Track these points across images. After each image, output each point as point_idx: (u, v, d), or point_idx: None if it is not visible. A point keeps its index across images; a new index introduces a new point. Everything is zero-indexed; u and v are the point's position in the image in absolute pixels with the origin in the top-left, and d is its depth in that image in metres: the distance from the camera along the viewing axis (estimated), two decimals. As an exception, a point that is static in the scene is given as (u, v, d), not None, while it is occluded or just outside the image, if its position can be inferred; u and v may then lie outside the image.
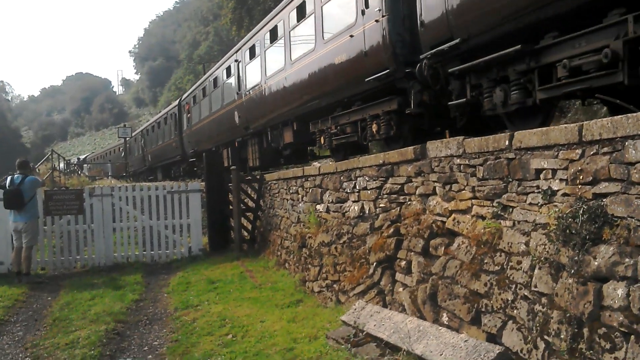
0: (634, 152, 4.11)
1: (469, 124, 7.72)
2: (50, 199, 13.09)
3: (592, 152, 4.50)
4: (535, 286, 4.80)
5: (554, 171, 4.88)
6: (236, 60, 16.52)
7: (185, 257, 13.81)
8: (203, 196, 14.75)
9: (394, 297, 6.88)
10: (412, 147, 7.18)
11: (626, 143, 4.18)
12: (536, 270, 4.84)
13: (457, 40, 6.95)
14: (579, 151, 4.62)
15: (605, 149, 4.38)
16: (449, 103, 7.56)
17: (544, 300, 4.70)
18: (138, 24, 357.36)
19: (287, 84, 12.43)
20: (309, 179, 10.63)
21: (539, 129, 5.18)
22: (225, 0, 39.29)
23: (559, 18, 5.71)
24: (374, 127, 9.43)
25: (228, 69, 17.56)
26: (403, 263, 6.87)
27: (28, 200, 11.71)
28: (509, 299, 5.06)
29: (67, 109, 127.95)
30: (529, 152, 5.18)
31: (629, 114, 4.25)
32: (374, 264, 7.37)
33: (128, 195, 14.09)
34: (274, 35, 13.47)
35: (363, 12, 9.09)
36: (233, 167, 14.70)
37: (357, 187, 8.57)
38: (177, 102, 26.19)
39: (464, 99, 7.24)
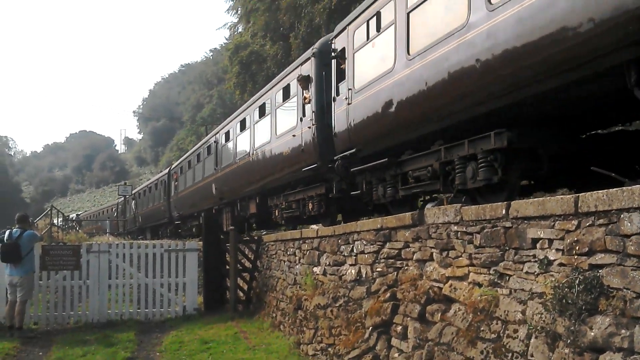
0: (629, 224, 4.17)
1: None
2: (47, 254, 13.06)
3: (588, 224, 4.56)
4: (532, 355, 4.79)
5: (551, 241, 4.93)
6: (215, 141, 19.93)
7: (179, 316, 13.68)
8: (200, 255, 14.73)
9: (389, 363, 6.82)
10: (410, 213, 7.26)
11: (621, 215, 4.25)
12: (532, 339, 4.84)
13: (354, 150, 9.95)
14: (575, 222, 4.68)
15: (601, 221, 4.44)
16: (351, 193, 10.54)
17: (540, 369, 4.68)
18: (143, 85, 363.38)
19: (252, 166, 15.51)
20: (306, 241, 10.66)
21: (536, 199, 5.27)
22: (229, 65, 40.16)
23: (411, 143, 8.55)
24: (310, 205, 12.33)
25: (209, 147, 20.83)
26: (399, 328, 6.83)
27: (25, 254, 11.72)
28: (505, 367, 5.03)
29: (69, 165, 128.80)
30: (525, 221, 5.25)
31: (623, 187, 4.34)
32: (370, 328, 7.33)
33: (125, 253, 14.07)
34: (243, 126, 16.87)
35: (301, 119, 12.20)
36: (231, 227, 14.75)
37: (355, 251, 8.60)
38: (167, 170, 29.36)
39: (359, 191, 10.14)
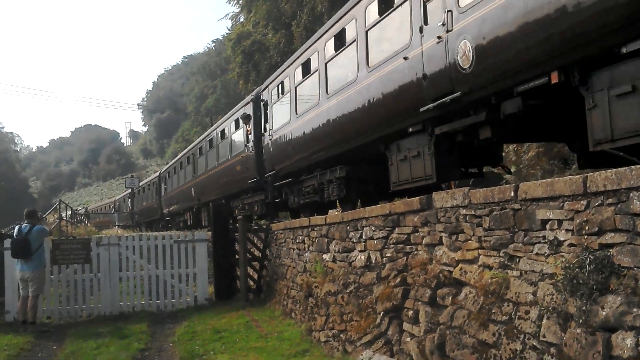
0: (639, 203, 4.17)
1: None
2: (57, 248, 13.16)
3: (597, 203, 4.56)
4: (544, 336, 4.81)
5: (560, 222, 4.93)
6: (192, 154, 25.15)
7: (191, 306, 13.77)
8: (209, 245, 14.79)
9: (401, 347, 6.85)
10: (417, 198, 7.27)
11: (630, 194, 4.25)
12: (544, 320, 4.85)
13: (274, 171, 14.29)
14: (584, 202, 4.68)
15: (610, 200, 4.45)
16: (275, 200, 14.94)
17: (552, 350, 4.69)
18: (147, 78, 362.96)
19: (218, 176, 20.39)
20: (315, 229, 10.69)
21: (544, 180, 5.26)
22: (232, 55, 40.08)
23: (304, 169, 12.66)
24: (256, 207, 17.01)
25: (188, 158, 25.92)
26: (410, 313, 6.86)
27: (35, 249, 11.80)
28: (518, 349, 5.05)
29: (75, 159, 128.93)
30: (534, 202, 5.25)
31: (632, 166, 4.33)
32: (381, 313, 7.37)
33: (135, 245, 14.15)
34: (210, 144, 21.87)
35: (246, 146, 16.66)
36: (239, 217, 14.82)
37: (364, 237, 8.62)
38: (157, 174, 34.85)
39: (279, 199, 14.65)
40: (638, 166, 4.25)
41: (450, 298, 6.25)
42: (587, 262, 4.50)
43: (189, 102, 78.58)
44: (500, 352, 5.25)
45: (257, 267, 14.01)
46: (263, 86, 15.92)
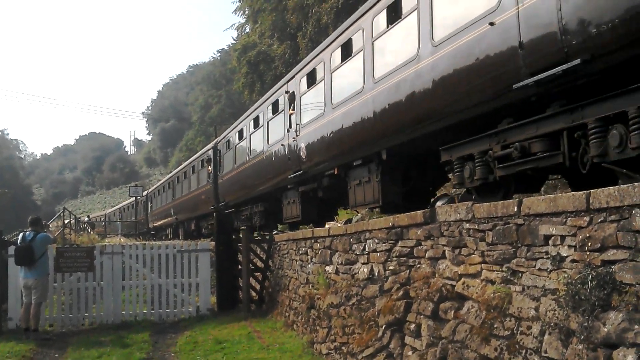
0: (641, 220, 4.20)
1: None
2: (61, 256, 13.17)
3: (599, 220, 4.59)
4: (546, 352, 4.82)
5: (563, 237, 4.96)
6: (172, 181, 30.88)
7: (193, 316, 13.77)
8: (212, 255, 14.81)
9: (403, 361, 6.86)
10: (421, 211, 7.29)
11: (633, 211, 4.28)
12: (546, 336, 4.87)
13: (224, 203, 20.00)
14: (587, 218, 4.71)
15: (613, 217, 4.47)
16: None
17: (554, 365, 4.71)
18: (152, 87, 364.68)
19: (189, 201, 26.16)
20: (318, 240, 10.71)
21: (547, 195, 5.29)
22: (237, 65, 40.26)
23: (245, 201, 18.40)
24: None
25: (169, 184, 31.76)
26: (412, 326, 6.88)
27: (39, 257, 11.81)
28: (519, 364, 5.06)
29: (79, 167, 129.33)
30: (537, 218, 5.28)
31: (635, 184, 4.37)
32: (383, 326, 7.38)
33: (138, 254, 14.17)
34: (185, 175, 27.57)
35: (207, 181, 22.40)
36: (242, 227, 14.85)
37: (367, 249, 8.64)
38: (145, 193, 40.45)
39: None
40: (641, 184, 4.29)
41: (453, 312, 6.26)
42: (590, 278, 4.52)
43: (194, 112, 78.80)
44: (502, 367, 5.26)
45: (260, 278, 14.02)
46: (219, 139, 21.88)
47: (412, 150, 9.49)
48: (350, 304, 8.59)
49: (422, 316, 6.74)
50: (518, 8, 6.30)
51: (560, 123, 6.08)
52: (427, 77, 7.95)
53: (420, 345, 6.61)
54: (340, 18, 22.52)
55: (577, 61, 5.57)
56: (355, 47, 10.34)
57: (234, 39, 50.81)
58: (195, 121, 76.08)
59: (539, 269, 5.20)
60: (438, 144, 8.27)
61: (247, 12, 40.48)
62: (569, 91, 6.07)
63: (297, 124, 12.97)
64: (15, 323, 12.59)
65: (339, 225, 10.32)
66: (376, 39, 9.57)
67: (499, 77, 6.71)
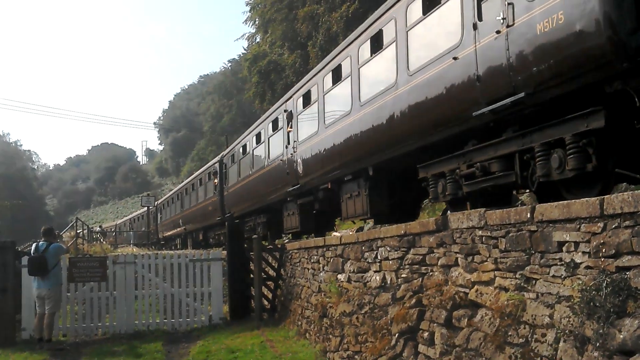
0: (655, 225, 4.17)
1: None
2: (74, 266, 13.21)
3: (614, 226, 4.55)
4: (561, 359, 4.78)
5: (577, 244, 4.92)
6: (180, 193, 32.66)
7: (205, 325, 13.76)
8: (224, 265, 14.82)
9: (416, 370, 6.82)
10: (433, 218, 7.29)
11: (647, 217, 4.24)
12: (561, 343, 4.83)
13: (229, 214, 20.54)
14: (601, 224, 4.67)
15: (627, 222, 4.44)
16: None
17: (569, 373, 4.67)
18: (163, 97, 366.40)
19: (196, 212, 27.64)
20: (330, 249, 10.70)
21: (561, 202, 5.26)
22: (248, 74, 40.43)
23: (250, 212, 19.43)
24: (222, 238, 23.34)
25: (177, 195, 33.66)
26: (426, 334, 6.84)
27: (52, 267, 11.87)
28: (534, 372, 5.02)
29: (91, 178, 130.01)
30: (550, 224, 5.24)
31: (649, 188, 4.33)
32: (396, 335, 7.34)
33: (151, 263, 14.21)
34: (193, 187, 28.93)
35: (214, 192, 23.74)
36: (254, 236, 14.86)
37: (379, 257, 8.62)
38: (154, 206, 42.26)
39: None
40: (655, 189, 4.26)
41: (466, 320, 6.22)
42: (604, 284, 4.48)
43: (205, 121, 79.11)
44: (516, 375, 5.22)
45: (272, 287, 14.01)
46: (225, 152, 23.10)
47: (396, 167, 10.24)
48: (362, 312, 8.56)
49: (435, 324, 6.71)
50: (476, 46, 7.25)
51: (513, 146, 7.02)
52: (404, 103, 8.96)
53: (434, 354, 6.57)
54: (350, 27, 22.57)
55: (522, 94, 6.51)
56: (345, 72, 11.31)
57: (245, 49, 51.06)
58: (206, 131, 76.38)
59: (553, 276, 5.16)
60: (417, 162, 9.14)
61: (257, 22, 40.68)
62: (520, 119, 7.01)
63: (294, 141, 13.98)
64: (29, 333, 12.63)
65: (350, 233, 10.31)
66: (362, 66, 10.54)
67: (461, 104, 7.64)
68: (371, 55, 10.16)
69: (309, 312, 11.22)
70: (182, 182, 42.41)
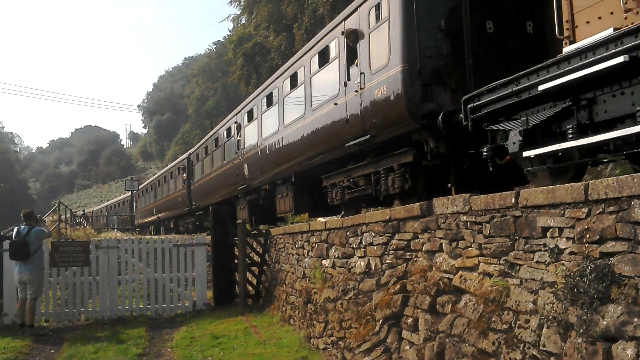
0: (640, 211, 4.16)
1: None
2: (56, 251, 13.10)
3: (598, 211, 4.53)
4: (544, 345, 4.77)
5: (561, 229, 4.91)
6: (153, 184, 35.90)
7: (189, 311, 13.71)
8: (208, 250, 14.74)
9: (400, 356, 6.82)
10: (418, 204, 7.26)
11: (632, 202, 4.22)
12: (544, 329, 4.82)
13: (195, 205, 24.53)
14: (585, 210, 4.65)
15: (612, 208, 4.42)
16: (197, 223, 26.42)
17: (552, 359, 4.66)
18: (147, 79, 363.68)
19: (167, 202, 30.20)
20: (315, 234, 10.65)
21: (545, 187, 5.24)
22: (233, 57, 40.12)
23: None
24: (189, 226, 27.33)
25: (152, 186, 36.28)
26: (410, 320, 6.83)
27: (34, 251, 11.73)
28: (518, 358, 5.02)
29: (74, 161, 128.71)
30: (535, 210, 5.22)
31: (634, 174, 4.31)
32: (380, 320, 7.33)
33: (134, 248, 14.12)
34: (164, 179, 31.75)
35: (183, 185, 26.51)
36: (239, 221, 14.80)
37: (364, 243, 8.59)
38: (130, 193, 43.53)
39: (198, 222, 26.25)
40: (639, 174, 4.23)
41: (450, 306, 6.21)
42: (588, 270, 4.47)
43: (190, 104, 78.49)
44: (500, 361, 5.22)
45: (256, 272, 13.96)
46: (192, 150, 26.35)
47: (312, 175, 12.83)
48: (347, 298, 8.54)
49: (419, 310, 6.69)
50: (346, 98, 10.39)
51: (370, 168, 10.17)
52: (309, 129, 12.05)
53: (418, 340, 6.56)
54: (336, 9, 22.41)
55: (368, 135, 9.66)
56: (275, 99, 14.61)
57: (230, 31, 50.67)
58: (191, 114, 75.84)
59: (537, 262, 5.15)
60: (322, 173, 12.14)
61: (242, 3, 40.29)
62: (374, 150, 10.08)
63: (242, 149, 17.33)
64: (10, 318, 12.53)
65: (335, 218, 10.29)
66: (286, 96, 13.78)
67: (340, 137, 10.69)
68: (290, 90, 13.47)
69: (293, 297, 11.19)
70: (167, 165, 42.58)
